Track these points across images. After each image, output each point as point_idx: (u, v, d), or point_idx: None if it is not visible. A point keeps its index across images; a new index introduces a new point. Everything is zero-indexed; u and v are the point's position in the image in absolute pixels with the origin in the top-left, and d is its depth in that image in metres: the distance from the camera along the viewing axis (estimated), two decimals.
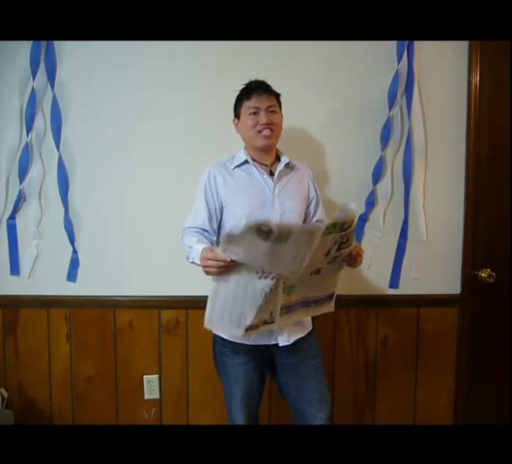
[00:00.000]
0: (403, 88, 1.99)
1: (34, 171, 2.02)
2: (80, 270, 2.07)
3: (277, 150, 1.71)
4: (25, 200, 2.04)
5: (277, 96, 1.66)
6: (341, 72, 2.01)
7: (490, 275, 2.03)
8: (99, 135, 2.02)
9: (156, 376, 2.11)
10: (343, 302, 2.08)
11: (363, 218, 2.06)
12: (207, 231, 1.63)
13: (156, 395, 2.12)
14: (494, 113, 2.02)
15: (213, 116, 1.98)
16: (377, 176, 2.04)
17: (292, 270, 1.33)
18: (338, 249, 1.38)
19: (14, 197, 2.02)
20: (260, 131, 1.60)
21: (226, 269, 1.35)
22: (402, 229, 2.08)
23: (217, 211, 1.63)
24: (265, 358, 1.64)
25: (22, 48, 1.93)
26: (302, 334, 1.63)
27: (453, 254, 2.10)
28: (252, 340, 1.57)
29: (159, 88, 1.99)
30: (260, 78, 1.65)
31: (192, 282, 2.04)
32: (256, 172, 1.64)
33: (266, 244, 1.25)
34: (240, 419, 1.63)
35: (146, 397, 2.12)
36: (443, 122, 2.05)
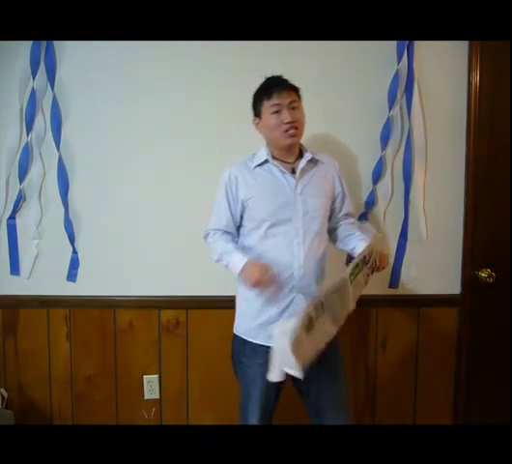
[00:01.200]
0: (403, 88, 1.99)
1: (34, 171, 2.02)
2: (80, 270, 2.07)
3: (301, 145, 1.67)
4: (25, 200, 2.04)
5: (297, 90, 1.62)
6: (341, 72, 2.01)
7: (490, 275, 2.03)
8: (99, 135, 2.02)
9: (156, 376, 2.11)
10: None
11: (363, 219, 2.06)
12: (230, 233, 1.64)
13: (156, 395, 2.12)
14: (494, 113, 2.02)
15: (214, 116, 1.98)
16: (377, 176, 2.04)
17: (339, 319, 1.45)
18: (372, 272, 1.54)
19: (14, 197, 2.02)
20: (286, 131, 1.55)
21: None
22: (402, 229, 2.08)
23: (239, 212, 1.63)
24: None
25: (22, 48, 1.93)
26: None
27: (453, 254, 2.10)
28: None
29: (159, 88, 1.99)
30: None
31: (192, 282, 2.05)
32: (277, 171, 1.61)
33: (311, 330, 1.34)
34: (254, 419, 1.59)
35: (146, 397, 2.12)
36: (443, 122, 2.05)
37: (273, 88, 1.57)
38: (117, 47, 1.95)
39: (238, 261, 1.54)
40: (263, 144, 1.67)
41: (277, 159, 1.63)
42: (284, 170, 1.61)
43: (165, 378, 2.12)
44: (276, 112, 1.56)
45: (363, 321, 2.11)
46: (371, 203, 2.05)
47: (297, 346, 1.26)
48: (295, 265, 1.57)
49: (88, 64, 1.98)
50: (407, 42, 1.95)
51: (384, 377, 2.15)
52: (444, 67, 2.03)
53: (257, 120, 1.64)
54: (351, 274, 1.47)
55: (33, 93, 1.96)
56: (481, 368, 2.11)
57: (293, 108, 1.57)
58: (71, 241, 2.05)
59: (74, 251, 2.06)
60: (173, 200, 2.01)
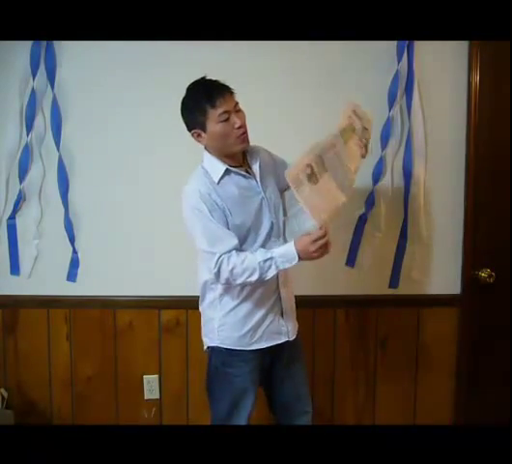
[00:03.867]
0: (403, 88, 1.99)
1: (34, 171, 2.01)
2: (80, 270, 2.07)
3: None
4: (25, 200, 2.04)
5: (232, 91, 1.51)
6: (341, 73, 2.00)
7: (490, 275, 2.03)
8: (99, 135, 2.02)
9: (156, 376, 2.11)
10: (343, 302, 2.09)
11: (363, 218, 2.06)
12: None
13: (156, 395, 2.12)
14: (494, 113, 2.02)
15: None
16: (377, 176, 2.04)
17: (345, 186, 1.47)
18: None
19: (14, 197, 2.02)
20: (238, 136, 1.46)
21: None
22: (402, 229, 2.07)
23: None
24: (269, 361, 1.62)
25: (22, 48, 1.93)
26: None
27: (453, 254, 2.10)
28: (265, 342, 1.56)
29: (160, 88, 1.99)
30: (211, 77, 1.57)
31: (192, 282, 2.03)
32: (241, 178, 1.54)
33: (316, 183, 1.34)
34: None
35: (146, 397, 2.12)
36: (443, 122, 2.05)
37: (215, 94, 1.45)
38: (117, 47, 1.94)
39: (287, 251, 1.43)
40: (201, 155, 1.59)
41: (233, 167, 1.54)
42: (244, 175, 1.54)
43: (165, 378, 2.12)
44: (225, 120, 1.44)
45: (363, 321, 2.11)
46: (371, 203, 2.05)
47: (300, 188, 1.32)
48: None
49: (88, 64, 1.98)
50: (407, 42, 1.94)
51: (383, 377, 2.14)
52: (444, 67, 2.03)
53: (198, 132, 1.50)
54: (341, 134, 1.46)
55: (33, 93, 1.96)
56: (481, 368, 2.11)
57: (237, 111, 1.47)
58: (71, 241, 2.05)
59: (74, 251, 2.06)
60: (173, 200, 2.01)
